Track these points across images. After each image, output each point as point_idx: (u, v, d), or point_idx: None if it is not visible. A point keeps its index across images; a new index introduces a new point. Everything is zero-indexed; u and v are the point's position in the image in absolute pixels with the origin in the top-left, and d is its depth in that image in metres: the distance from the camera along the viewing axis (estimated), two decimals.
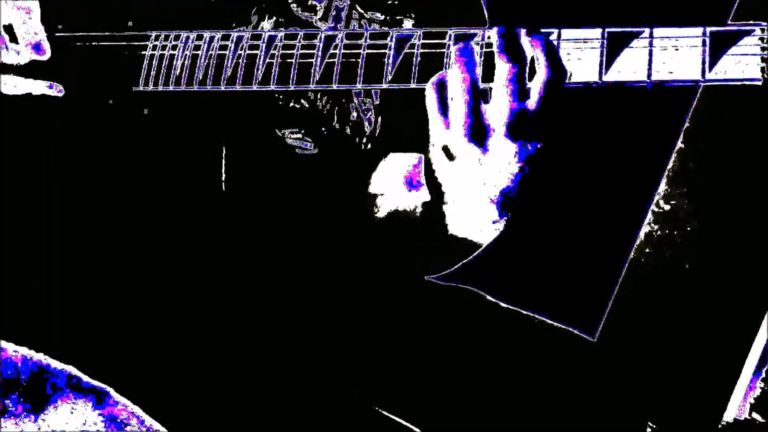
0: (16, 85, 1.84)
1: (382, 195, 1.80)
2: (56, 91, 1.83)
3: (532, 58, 1.60)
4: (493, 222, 1.64)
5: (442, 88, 1.64)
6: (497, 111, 1.59)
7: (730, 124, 1.65)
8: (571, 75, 1.60)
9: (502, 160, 1.60)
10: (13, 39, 1.82)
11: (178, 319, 1.88)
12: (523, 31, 1.60)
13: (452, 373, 1.78)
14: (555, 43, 1.60)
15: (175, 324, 1.88)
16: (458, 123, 1.61)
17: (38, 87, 1.83)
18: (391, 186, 1.80)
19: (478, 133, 1.60)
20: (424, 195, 1.73)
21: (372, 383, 1.83)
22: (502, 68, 1.59)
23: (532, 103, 1.58)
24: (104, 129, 1.89)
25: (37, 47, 1.83)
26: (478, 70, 1.63)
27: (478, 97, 1.61)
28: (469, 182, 1.63)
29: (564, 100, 1.59)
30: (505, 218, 1.64)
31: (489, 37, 1.64)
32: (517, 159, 1.60)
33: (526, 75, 1.59)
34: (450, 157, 1.63)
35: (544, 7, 1.71)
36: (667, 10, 1.64)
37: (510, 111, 1.58)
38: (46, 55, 1.83)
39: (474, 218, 1.65)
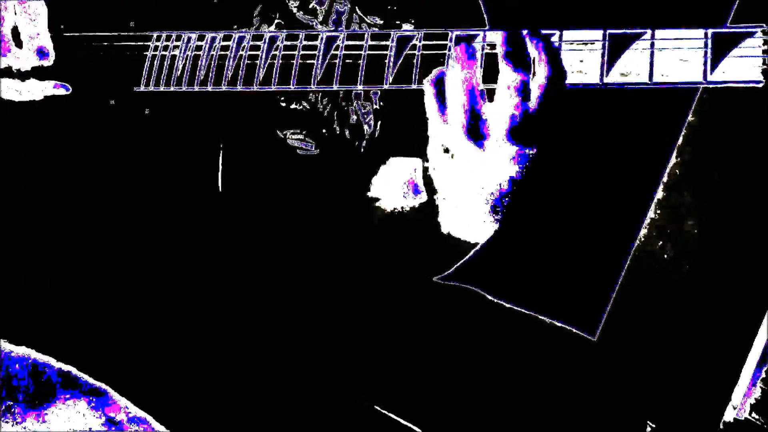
0: (19, 91, 1.83)
1: (381, 199, 1.81)
2: (63, 89, 1.83)
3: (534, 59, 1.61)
4: (489, 221, 1.65)
5: (440, 84, 1.64)
6: (499, 114, 1.60)
7: (730, 124, 1.66)
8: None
9: (501, 162, 1.61)
10: (18, 43, 1.82)
11: (180, 321, 1.88)
12: (525, 34, 1.61)
13: (452, 373, 1.78)
14: (556, 45, 1.61)
15: (177, 325, 1.88)
16: (458, 122, 1.62)
17: (43, 89, 1.82)
18: (391, 190, 1.80)
19: (477, 133, 1.61)
20: (423, 198, 1.74)
21: (372, 383, 1.83)
22: (507, 73, 1.59)
23: (531, 104, 1.59)
24: (105, 129, 1.89)
25: (41, 52, 1.82)
26: (479, 71, 1.63)
27: (477, 97, 1.62)
28: (466, 180, 1.64)
29: (563, 102, 1.60)
30: (501, 218, 1.64)
31: (491, 41, 1.64)
32: (515, 161, 1.61)
33: (530, 80, 1.60)
34: (447, 153, 1.64)
35: (543, 9, 1.72)
36: (665, 12, 1.65)
37: (512, 115, 1.59)
38: (50, 61, 1.83)
39: (469, 217, 1.66)
